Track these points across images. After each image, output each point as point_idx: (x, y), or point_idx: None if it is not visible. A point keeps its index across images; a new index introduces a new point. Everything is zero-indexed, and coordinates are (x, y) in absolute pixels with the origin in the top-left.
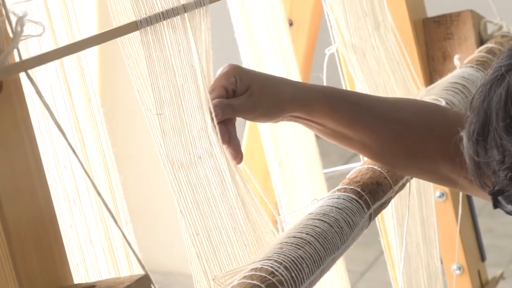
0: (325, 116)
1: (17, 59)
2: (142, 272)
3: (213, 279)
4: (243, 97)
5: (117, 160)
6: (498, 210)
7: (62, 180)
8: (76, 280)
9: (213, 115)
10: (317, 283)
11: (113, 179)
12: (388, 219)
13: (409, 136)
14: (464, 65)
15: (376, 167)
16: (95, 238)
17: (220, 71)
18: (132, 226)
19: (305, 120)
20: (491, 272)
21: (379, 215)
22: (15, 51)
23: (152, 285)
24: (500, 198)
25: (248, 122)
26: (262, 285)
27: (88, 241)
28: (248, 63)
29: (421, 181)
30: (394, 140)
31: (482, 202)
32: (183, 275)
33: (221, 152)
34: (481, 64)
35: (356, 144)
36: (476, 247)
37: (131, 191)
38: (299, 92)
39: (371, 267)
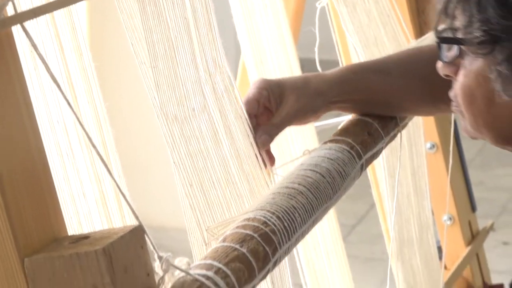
0: (358, 92)
1: (10, 14)
2: (135, 223)
3: (206, 230)
4: (281, 109)
5: (110, 114)
6: (489, 163)
7: (55, 135)
8: (70, 233)
9: (261, 144)
10: (310, 236)
11: (105, 133)
12: (380, 171)
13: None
14: None
15: (367, 119)
16: (88, 191)
17: (251, 86)
18: (125, 180)
19: (340, 104)
20: (482, 223)
21: (370, 167)
22: (10, 4)
23: (146, 235)
24: (443, 45)
25: (239, 70)
26: (255, 235)
27: (81, 194)
28: (238, 17)
29: (412, 132)
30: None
31: (473, 155)
32: (176, 230)
33: (215, 105)
34: None
35: (392, 108)
36: (466, 198)
37: (124, 145)
38: (329, 78)
39: (362, 220)
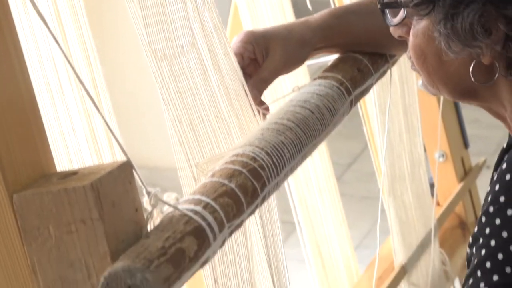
0: (342, 36)
1: None
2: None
3: (195, 166)
4: (268, 62)
5: (100, 52)
6: None
7: (44, 73)
8: (60, 169)
9: (252, 98)
10: (302, 173)
11: (95, 71)
12: (371, 108)
13: None
14: None
15: (357, 55)
16: (78, 128)
17: (234, 39)
18: (115, 118)
19: (326, 49)
20: (477, 161)
21: (362, 105)
22: None
23: (134, 171)
24: (387, 10)
25: (231, 9)
26: (244, 170)
27: (71, 131)
28: None
29: (404, 70)
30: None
31: None
32: (170, 170)
33: (204, 42)
34: None
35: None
36: (459, 134)
37: (115, 84)
38: (313, 26)
39: (357, 159)
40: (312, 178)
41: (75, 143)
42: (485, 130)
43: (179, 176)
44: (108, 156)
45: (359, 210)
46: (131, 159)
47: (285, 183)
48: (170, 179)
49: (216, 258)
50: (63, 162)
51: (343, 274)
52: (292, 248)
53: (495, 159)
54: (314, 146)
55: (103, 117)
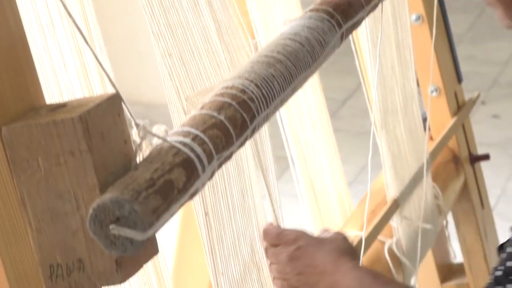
0: None
1: None
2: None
3: (185, 99)
4: None
5: None
6: (481, 37)
7: (35, 8)
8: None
9: None
10: (295, 108)
11: (86, 5)
12: (363, 41)
13: None
14: None
15: None
16: (69, 63)
17: None
18: (107, 54)
19: None
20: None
21: (355, 39)
22: None
23: (123, 103)
24: None
25: None
26: (233, 102)
27: (62, 66)
28: None
29: (397, 4)
30: None
31: (464, 29)
32: (165, 107)
33: None
34: None
35: None
36: (452, 68)
37: (107, 19)
38: None
39: (352, 94)
40: (305, 113)
41: (67, 78)
42: (480, 66)
43: (169, 110)
44: (99, 90)
45: (354, 146)
46: (126, 95)
47: (278, 118)
48: (165, 115)
49: (207, 191)
50: (54, 97)
51: (336, 208)
52: (287, 184)
53: (490, 94)
54: (305, 79)
55: (94, 53)
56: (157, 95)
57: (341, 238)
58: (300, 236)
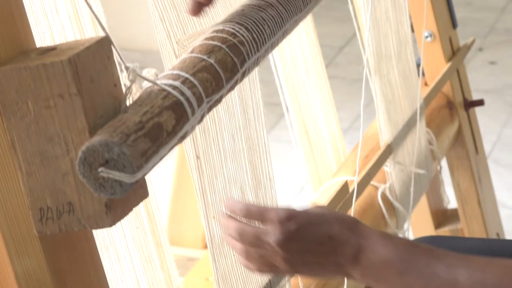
0: None
1: None
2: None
3: (176, 42)
4: None
5: None
6: None
7: None
8: None
9: None
10: (289, 53)
11: None
12: None
13: None
14: None
15: None
16: (61, 6)
17: None
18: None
19: None
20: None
21: None
22: None
23: (112, 47)
24: None
25: None
26: (223, 46)
27: (54, 9)
28: None
29: None
30: None
31: None
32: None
33: None
34: None
35: None
36: (447, 13)
37: None
38: None
39: (349, 41)
40: (299, 59)
41: (58, 22)
42: (477, 12)
43: (160, 53)
44: (91, 35)
45: (350, 93)
46: (122, 42)
47: (272, 64)
48: (161, 61)
49: (198, 135)
50: (46, 41)
51: (331, 154)
52: (282, 130)
53: (487, 41)
54: (296, 23)
55: None
56: (153, 42)
57: (339, 213)
58: (294, 214)
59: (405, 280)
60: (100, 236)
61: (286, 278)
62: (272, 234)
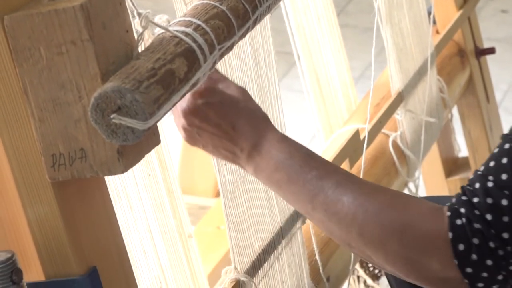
0: None
1: None
2: None
3: None
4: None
5: None
6: None
7: None
8: None
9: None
10: (301, 5)
11: None
12: None
13: None
14: None
15: None
16: None
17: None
18: None
19: None
20: None
21: None
22: None
23: None
24: None
25: None
26: None
27: None
28: None
29: None
30: None
31: None
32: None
33: None
34: None
35: None
36: None
37: None
38: None
39: None
40: (311, 6)
41: None
42: None
43: (172, 2)
44: None
45: (361, 42)
46: None
47: (284, 13)
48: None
49: None
50: None
51: (342, 102)
52: (293, 79)
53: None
54: None
55: None
56: None
57: (254, 104)
58: (210, 91)
59: (293, 189)
60: (113, 184)
61: (298, 225)
62: (182, 102)
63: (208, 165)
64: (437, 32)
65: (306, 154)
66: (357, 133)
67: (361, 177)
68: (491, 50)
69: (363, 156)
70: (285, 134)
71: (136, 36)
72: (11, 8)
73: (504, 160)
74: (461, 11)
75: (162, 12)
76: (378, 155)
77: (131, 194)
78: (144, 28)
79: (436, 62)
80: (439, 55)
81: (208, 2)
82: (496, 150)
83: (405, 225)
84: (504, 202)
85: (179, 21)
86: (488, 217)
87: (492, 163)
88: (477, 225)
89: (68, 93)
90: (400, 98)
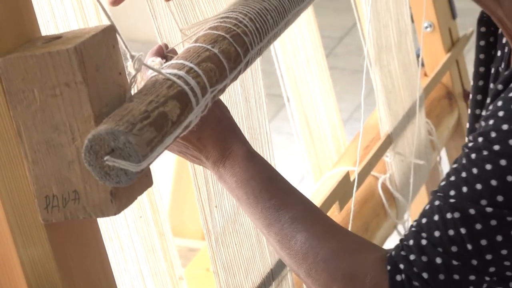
0: None
1: None
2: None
3: (180, 31)
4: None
5: None
6: None
7: None
8: None
9: None
10: (290, 43)
11: None
12: None
13: None
14: None
15: None
16: None
17: None
18: None
19: None
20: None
21: None
22: None
23: (118, 35)
24: None
25: None
26: (227, 36)
27: None
28: None
29: None
30: None
31: None
32: None
33: None
34: None
35: None
36: (447, 4)
37: None
38: None
39: (349, 32)
40: (300, 50)
41: (62, 11)
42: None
43: (159, 40)
44: (95, 23)
45: (350, 83)
46: (124, 32)
47: (274, 55)
48: None
49: None
50: (49, 30)
51: (331, 144)
52: (283, 121)
53: None
54: (298, 13)
55: None
56: (154, 32)
57: (222, 112)
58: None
59: (251, 210)
60: (104, 226)
61: (288, 268)
62: None
63: (197, 207)
64: (426, 74)
65: (268, 179)
66: (347, 176)
67: (350, 219)
68: None
69: (353, 198)
70: (253, 150)
71: (129, 78)
72: (5, 50)
73: (436, 217)
74: (449, 54)
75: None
76: (367, 197)
77: (123, 235)
78: (137, 70)
79: (424, 105)
80: (427, 97)
81: (200, 45)
82: (427, 207)
83: (350, 276)
84: (438, 260)
85: (172, 63)
86: (425, 275)
87: (424, 220)
88: (415, 283)
89: (61, 135)
90: (389, 141)
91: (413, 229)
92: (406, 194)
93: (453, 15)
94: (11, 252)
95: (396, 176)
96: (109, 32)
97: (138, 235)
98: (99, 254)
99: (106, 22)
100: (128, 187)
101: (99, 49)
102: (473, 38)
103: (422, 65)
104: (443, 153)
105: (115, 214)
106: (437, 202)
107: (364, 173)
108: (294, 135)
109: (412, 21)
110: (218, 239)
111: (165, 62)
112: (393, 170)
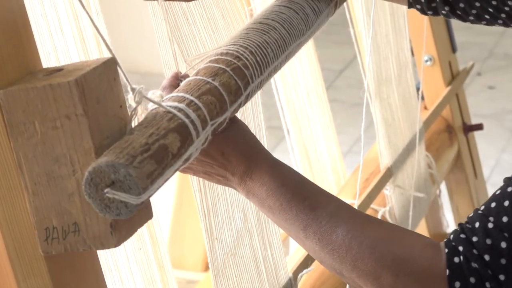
0: None
1: None
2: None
3: (184, 61)
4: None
5: None
6: None
7: None
8: None
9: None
10: (290, 76)
11: None
12: (358, 10)
13: None
14: None
15: None
16: (66, 27)
17: None
18: (103, 17)
19: None
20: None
21: (350, 9)
22: None
23: (119, 68)
24: None
25: None
26: (227, 69)
27: (59, 31)
28: None
29: None
30: None
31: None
32: (162, 76)
33: None
34: None
35: None
36: (447, 38)
37: None
38: None
39: (349, 65)
40: (301, 83)
41: (63, 43)
42: (477, 37)
43: (164, 74)
44: (96, 56)
45: (350, 116)
46: (123, 64)
47: (274, 88)
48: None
49: None
50: (51, 62)
51: (331, 177)
52: (283, 154)
53: (486, 66)
54: (298, 47)
55: (89, 16)
56: (154, 64)
57: (244, 128)
58: None
59: (286, 216)
60: (104, 258)
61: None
62: None
63: (197, 239)
64: (426, 108)
65: (299, 182)
66: None
67: None
68: (479, 127)
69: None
70: (276, 158)
71: (129, 111)
72: (7, 82)
73: (506, 203)
74: (449, 88)
75: (151, 86)
76: None
77: (122, 268)
78: (138, 103)
79: (424, 138)
80: (427, 130)
81: (201, 78)
82: (498, 192)
83: (401, 259)
84: (503, 244)
85: (172, 96)
86: (486, 257)
87: (493, 204)
88: (474, 265)
89: (62, 167)
90: (389, 174)
91: (479, 212)
92: (406, 227)
93: (453, 49)
94: (11, 284)
95: (396, 209)
96: (110, 65)
97: (137, 267)
98: (99, 286)
99: (107, 55)
100: (128, 220)
101: (100, 82)
102: (473, 72)
103: (422, 98)
104: (443, 186)
105: (115, 246)
106: (509, 189)
107: (364, 206)
108: (294, 168)
109: (412, 54)
110: (218, 271)
111: None
112: (392, 203)
